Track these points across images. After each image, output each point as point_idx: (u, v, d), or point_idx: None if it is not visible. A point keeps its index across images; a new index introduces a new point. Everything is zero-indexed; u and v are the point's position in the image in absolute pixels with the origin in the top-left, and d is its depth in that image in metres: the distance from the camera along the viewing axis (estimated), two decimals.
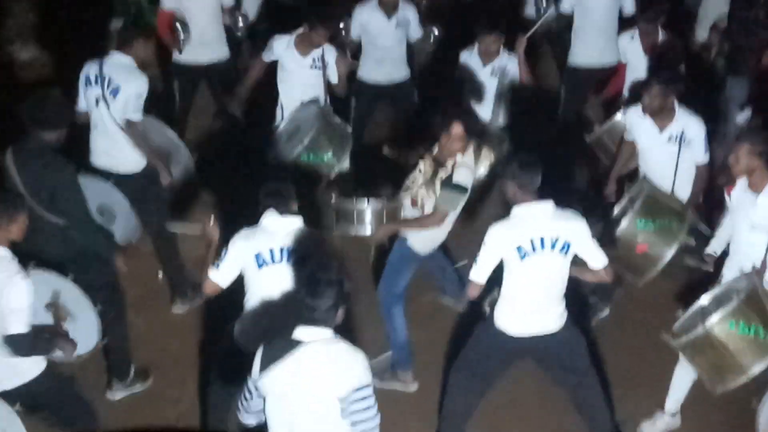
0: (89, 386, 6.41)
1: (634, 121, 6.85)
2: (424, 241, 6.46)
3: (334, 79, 7.64)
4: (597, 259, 5.61)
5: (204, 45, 8.18)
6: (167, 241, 7.18)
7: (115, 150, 6.77)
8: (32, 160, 5.82)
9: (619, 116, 7.40)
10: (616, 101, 7.95)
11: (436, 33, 8.36)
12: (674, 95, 6.65)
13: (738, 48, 8.20)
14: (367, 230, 6.43)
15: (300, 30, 7.54)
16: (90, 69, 6.75)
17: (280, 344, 4.54)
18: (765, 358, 5.54)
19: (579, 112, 8.45)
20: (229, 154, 8.51)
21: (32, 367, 5.32)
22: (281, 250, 5.49)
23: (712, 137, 7.00)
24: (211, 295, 5.76)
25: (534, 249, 5.44)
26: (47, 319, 5.55)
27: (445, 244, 6.77)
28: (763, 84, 7.75)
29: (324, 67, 7.54)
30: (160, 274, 7.43)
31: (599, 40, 8.37)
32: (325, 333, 4.52)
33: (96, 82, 6.70)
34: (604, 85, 8.18)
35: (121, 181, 6.65)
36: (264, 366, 4.54)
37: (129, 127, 6.69)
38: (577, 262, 5.61)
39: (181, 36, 8.01)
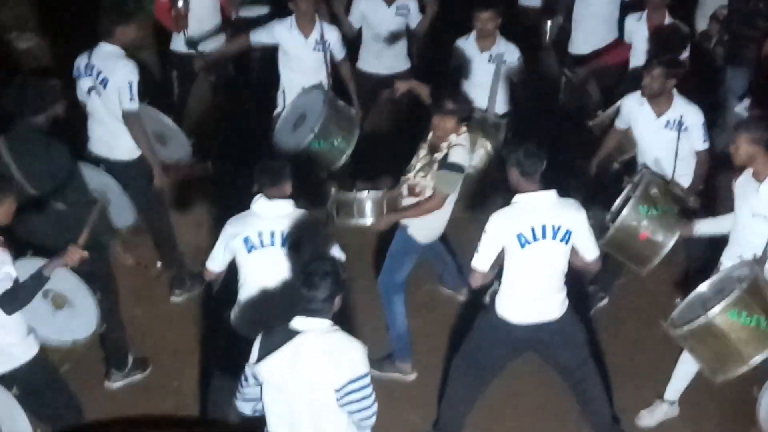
0: (87, 376, 6.43)
1: (631, 108, 6.83)
2: (425, 230, 6.45)
3: (339, 56, 7.64)
4: (590, 251, 5.61)
5: (203, 35, 8.14)
6: (164, 230, 7.18)
7: (110, 138, 6.76)
8: (25, 144, 5.82)
9: (621, 102, 7.39)
10: (617, 84, 7.93)
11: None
12: (674, 80, 6.63)
13: (737, 38, 8.18)
14: (368, 221, 6.41)
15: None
16: (80, 60, 6.75)
17: (278, 333, 4.54)
18: (766, 348, 5.54)
19: (579, 99, 8.44)
20: (230, 140, 8.49)
21: (24, 352, 5.30)
22: (271, 234, 5.51)
23: (711, 126, 6.98)
24: (213, 280, 5.83)
25: (535, 237, 5.44)
26: (44, 304, 5.55)
27: (445, 234, 6.75)
28: (764, 74, 7.74)
29: (325, 48, 7.53)
30: (159, 264, 7.43)
31: (600, 28, 8.36)
32: (322, 323, 4.52)
33: (86, 72, 6.70)
34: (604, 72, 8.17)
35: (117, 168, 6.64)
36: (262, 355, 4.54)
37: (127, 119, 6.65)
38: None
39: (182, 12, 7.96)
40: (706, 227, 6.23)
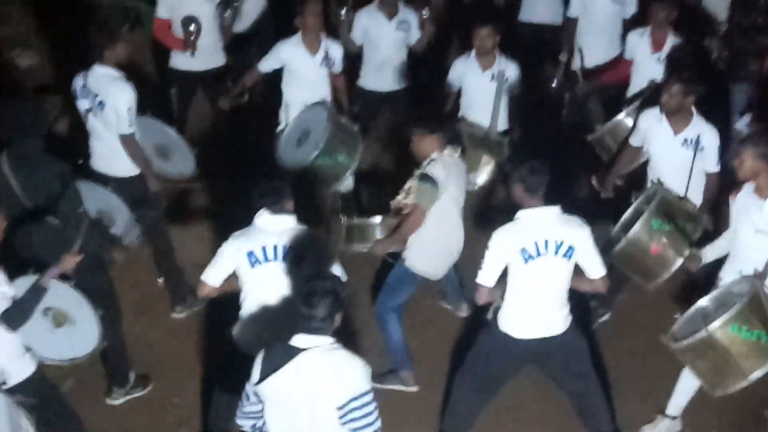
0: (89, 392, 6.42)
1: (649, 124, 6.79)
2: (422, 260, 6.43)
3: (337, 69, 7.72)
4: (596, 268, 5.60)
5: (200, 53, 8.16)
6: (165, 245, 7.18)
7: (110, 154, 6.76)
8: (26, 163, 5.82)
9: (621, 116, 7.39)
10: (618, 99, 7.94)
11: (425, 15, 8.29)
12: (692, 97, 6.61)
13: (738, 53, 8.19)
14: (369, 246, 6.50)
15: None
16: (77, 81, 6.73)
17: (279, 351, 4.53)
18: (766, 363, 5.53)
19: (581, 114, 8.46)
20: (230, 156, 8.50)
21: (20, 370, 5.29)
22: (274, 248, 5.50)
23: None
24: (206, 297, 5.80)
25: (538, 252, 5.44)
26: (44, 322, 5.54)
27: None
28: (765, 89, 7.74)
29: (330, 64, 7.60)
30: (160, 280, 7.43)
31: (604, 43, 8.37)
32: (324, 340, 4.51)
33: (83, 95, 6.70)
34: (607, 87, 8.18)
35: (118, 185, 6.65)
36: (263, 373, 4.53)
37: (124, 142, 6.65)
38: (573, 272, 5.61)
39: (192, 37, 7.98)
40: (711, 253, 6.17)
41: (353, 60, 8.28)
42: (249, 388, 4.63)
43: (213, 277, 5.63)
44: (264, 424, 4.67)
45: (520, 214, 5.51)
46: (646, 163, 6.99)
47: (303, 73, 7.61)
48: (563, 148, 8.25)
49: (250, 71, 7.85)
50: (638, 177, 7.08)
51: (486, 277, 5.51)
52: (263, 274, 5.51)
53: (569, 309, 5.67)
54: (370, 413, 4.49)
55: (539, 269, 5.46)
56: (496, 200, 7.47)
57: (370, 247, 6.54)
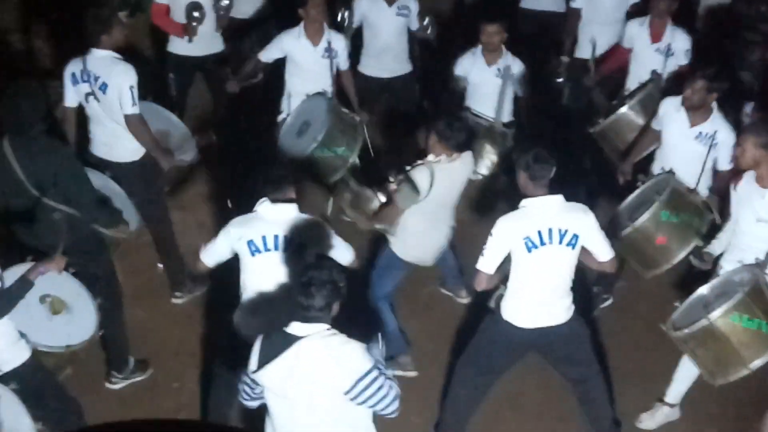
0: (88, 377, 6.43)
1: (667, 112, 6.75)
2: (404, 246, 6.43)
3: (344, 65, 7.68)
4: (604, 252, 5.59)
5: (199, 39, 8.13)
6: (165, 231, 7.18)
7: (112, 141, 6.73)
8: (29, 148, 5.81)
9: (624, 109, 7.37)
10: (617, 90, 7.93)
11: (433, 23, 8.30)
12: (715, 94, 6.56)
13: (741, 43, 8.18)
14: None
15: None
16: (74, 66, 6.66)
17: (276, 339, 4.53)
18: (767, 352, 5.54)
19: (583, 102, 8.44)
20: (230, 143, 8.49)
21: (14, 356, 5.28)
22: (275, 238, 5.50)
23: None
24: (201, 272, 5.90)
25: (542, 241, 5.43)
26: (41, 310, 5.54)
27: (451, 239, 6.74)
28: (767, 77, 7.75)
29: (332, 56, 7.56)
30: (160, 266, 7.43)
31: (609, 33, 8.35)
32: (320, 327, 4.51)
33: (82, 79, 6.64)
34: (608, 78, 8.17)
35: (119, 171, 6.64)
36: (261, 361, 4.53)
37: (130, 122, 6.60)
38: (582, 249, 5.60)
39: (195, 23, 7.95)
40: (718, 246, 6.15)
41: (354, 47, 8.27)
42: (246, 377, 4.63)
43: (210, 258, 5.70)
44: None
45: (525, 203, 5.50)
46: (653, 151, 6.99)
47: (304, 63, 7.58)
48: (565, 138, 8.25)
49: (250, 60, 7.83)
50: (643, 160, 7.07)
51: (487, 263, 5.50)
52: (263, 263, 5.51)
53: (572, 298, 5.67)
54: (382, 386, 4.50)
55: (543, 258, 5.45)
56: (498, 188, 7.44)
57: (358, 217, 6.54)
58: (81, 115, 6.81)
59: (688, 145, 6.62)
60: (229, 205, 7.32)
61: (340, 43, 7.65)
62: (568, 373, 5.92)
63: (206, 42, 8.18)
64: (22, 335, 5.34)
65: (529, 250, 5.43)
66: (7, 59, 9.54)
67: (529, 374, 6.44)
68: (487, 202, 7.44)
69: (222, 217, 7.61)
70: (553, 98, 8.69)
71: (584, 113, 8.13)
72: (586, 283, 6.72)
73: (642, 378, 6.61)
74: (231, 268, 5.72)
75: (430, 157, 6.23)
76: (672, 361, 6.18)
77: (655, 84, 7.45)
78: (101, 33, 6.53)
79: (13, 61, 9.62)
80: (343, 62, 7.70)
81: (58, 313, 5.67)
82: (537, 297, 5.57)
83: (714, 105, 6.61)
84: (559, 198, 5.48)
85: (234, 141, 8.50)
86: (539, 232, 5.42)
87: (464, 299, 7.28)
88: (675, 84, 7.26)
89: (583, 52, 8.46)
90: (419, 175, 6.17)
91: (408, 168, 6.24)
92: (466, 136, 6.25)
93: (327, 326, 4.53)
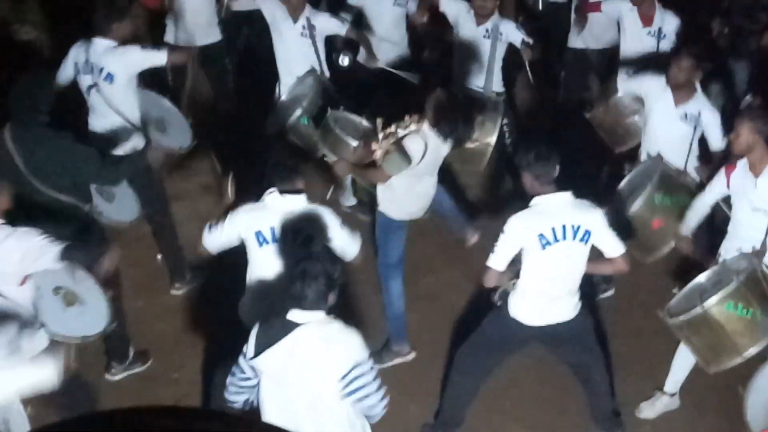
0: (88, 368, 6.43)
1: (652, 90, 6.74)
2: (392, 205, 6.39)
3: (340, 29, 7.49)
4: (615, 247, 5.57)
5: (196, 28, 8.11)
6: (165, 222, 7.18)
7: (110, 133, 6.73)
8: (30, 138, 5.81)
9: (619, 94, 7.36)
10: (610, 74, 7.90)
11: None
12: (700, 72, 6.58)
13: (738, 30, 8.15)
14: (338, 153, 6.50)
15: None
16: (78, 56, 6.68)
17: (275, 326, 4.55)
18: (761, 340, 5.54)
19: (579, 93, 8.43)
20: (229, 133, 8.48)
21: (35, 345, 5.28)
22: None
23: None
24: (202, 256, 5.81)
25: (556, 237, 5.41)
26: (55, 303, 5.54)
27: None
28: (764, 66, 7.71)
29: (313, 35, 7.43)
30: (159, 257, 7.43)
31: (599, 21, 8.33)
32: (318, 315, 4.53)
33: (84, 70, 6.65)
34: (605, 68, 8.15)
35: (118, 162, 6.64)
36: (259, 348, 4.54)
37: (170, 58, 6.72)
38: (590, 258, 5.59)
39: None
40: (686, 227, 6.18)
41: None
42: (243, 362, 4.64)
43: (213, 244, 5.66)
44: (256, 399, 4.68)
45: (536, 201, 5.46)
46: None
47: (285, 36, 7.45)
48: (562, 127, 8.24)
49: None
50: (632, 150, 7.06)
51: (498, 261, 5.48)
52: (270, 253, 5.51)
53: (580, 295, 5.67)
54: (374, 380, 4.53)
55: (557, 255, 5.44)
56: (503, 187, 7.43)
57: (334, 160, 6.49)
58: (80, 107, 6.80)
59: (675, 125, 6.62)
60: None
61: (322, 20, 7.47)
62: (569, 361, 5.93)
63: (204, 32, 8.17)
64: (41, 324, 5.34)
65: (544, 247, 5.41)
66: (7, 50, 9.52)
67: (528, 363, 6.44)
68: (492, 199, 7.44)
69: (220, 208, 7.63)
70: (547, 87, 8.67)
71: (578, 101, 8.14)
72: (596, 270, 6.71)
73: (642, 367, 6.61)
74: (230, 259, 5.73)
75: (425, 126, 6.16)
76: (670, 350, 6.18)
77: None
78: (114, 21, 6.55)
79: (13, 51, 9.60)
80: (337, 29, 7.49)
81: (71, 305, 5.66)
82: (547, 294, 5.55)
83: (698, 85, 6.62)
84: (567, 194, 5.46)
85: (233, 131, 8.49)
86: (553, 229, 5.40)
87: (474, 238, 7.13)
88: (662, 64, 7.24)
89: (577, 41, 8.44)
90: (413, 144, 6.10)
91: (401, 134, 6.17)
92: (463, 112, 6.22)
93: (325, 314, 4.56)
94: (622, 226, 6.02)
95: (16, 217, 5.56)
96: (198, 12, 8.13)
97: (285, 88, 7.50)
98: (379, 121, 6.30)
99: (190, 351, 6.76)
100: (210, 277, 7.23)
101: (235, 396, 4.73)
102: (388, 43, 8.17)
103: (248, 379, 4.64)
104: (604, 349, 6.50)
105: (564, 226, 5.41)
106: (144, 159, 6.64)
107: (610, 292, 7.25)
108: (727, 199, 6.06)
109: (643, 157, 6.78)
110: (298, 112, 7.07)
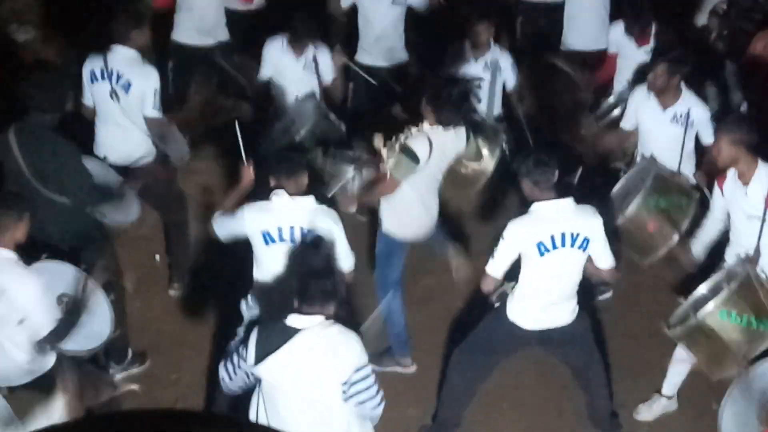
0: None
1: (638, 102, 6.79)
2: (395, 224, 6.37)
3: (327, 77, 7.55)
4: (606, 259, 5.60)
5: (204, 29, 8.11)
6: (182, 222, 7.17)
7: (125, 142, 6.70)
8: (34, 141, 5.82)
9: (616, 112, 7.38)
10: (606, 90, 7.91)
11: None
12: (679, 75, 6.60)
13: (737, 32, 8.16)
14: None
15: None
16: (94, 64, 6.65)
17: (274, 332, 4.54)
18: (758, 347, 5.55)
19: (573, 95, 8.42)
20: (232, 136, 8.46)
21: (40, 366, 5.32)
22: (291, 230, 5.51)
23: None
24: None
25: (554, 245, 5.42)
26: (59, 313, 5.53)
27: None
28: (751, 69, 7.72)
29: (317, 68, 7.47)
30: (157, 257, 7.43)
31: (592, 23, 8.34)
32: (318, 319, 4.53)
33: (103, 77, 6.62)
34: (597, 69, 8.15)
35: (133, 171, 6.63)
36: (259, 354, 4.53)
37: (149, 124, 6.63)
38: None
39: None
40: (700, 244, 6.18)
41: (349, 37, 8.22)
42: (241, 362, 4.65)
43: (222, 230, 5.66)
44: (252, 380, 4.69)
45: (535, 207, 5.48)
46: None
47: (287, 74, 7.50)
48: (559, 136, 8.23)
49: (254, 85, 7.73)
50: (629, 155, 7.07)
51: (496, 267, 5.51)
52: (277, 253, 5.52)
53: (578, 299, 5.68)
54: (373, 384, 4.55)
55: (554, 262, 5.45)
56: (500, 194, 7.42)
57: (339, 196, 6.45)
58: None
59: (665, 128, 6.64)
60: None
61: (324, 57, 7.52)
62: (568, 362, 5.95)
63: (211, 31, 8.16)
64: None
65: (542, 254, 5.43)
66: (5, 50, 9.52)
67: (526, 366, 6.45)
68: (491, 205, 7.43)
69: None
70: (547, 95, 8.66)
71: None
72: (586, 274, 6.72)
73: (640, 369, 6.62)
74: (229, 260, 5.73)
75: (426, 126, 6.15)
76: (668, 353, 6.19)
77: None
78: (134, 28, 6.54)
79: (11, 51, 9.60)
80: (326, 75, 7.56)
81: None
82: (545, 299, 5.57)
83: (683, 85, 6.64)
84: (568, 201, 5.47)
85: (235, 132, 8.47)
86: (552, 237, 5.41)
87: (455, 261, 6.94)
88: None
89: (570, 43, 8.44)
90: (417, 143, 6.08)
91: (403, 137, 6.14)
92: (460, 105, 6.21)
93: (325, 317, 4.56)
94: (616, 229, 6.05)
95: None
96: (205, 13, 8.12)
97: (283, 106, 7.51)
98: (378, 137, 6.26)
99: (189, 352, 6.76)
100: (208, 278, 7.23)
101: (229, 383, 4.73)
102: (386, 42, 8.15)
103: (241, 376, 4.64)
104: (603, 351, 6.51)
105: (563, 234, 5.42)
106: (158, 169, 6.65)
107: (608, 294, 7.25)
108: None
109: (638, 159, 6.78)
110: (295, 138, 7.06)
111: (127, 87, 6.56)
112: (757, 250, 5.73)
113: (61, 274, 5.51)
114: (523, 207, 5.56)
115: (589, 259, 5.59)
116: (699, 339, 5.61)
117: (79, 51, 6.89)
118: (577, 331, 5.71)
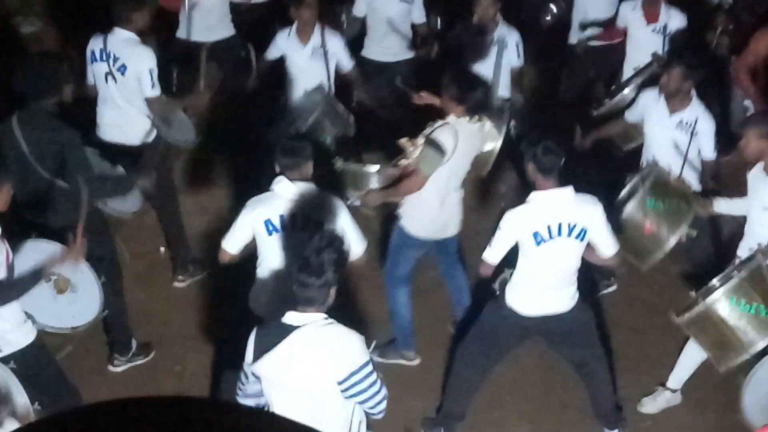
0: (91, 359, 6.44)
1: (647, 102, 6.76)
2: (414, 220, 6.31)
3: (346, 66, 7.52)
4: (608, 246, 5.60)
5: (209, 25, 8.10)
6: (173, 213, 7.17)
7: (123, 123, 6.73)
8: (36, 126, 5.83)
9: (627, 91, 7.35)
10: (616, 74, 7.90)
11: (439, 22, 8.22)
12: (692, 81, 6.56)
13: (742, 27, 8.14)
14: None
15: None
16: (95, 44, 6.69)
17: (272, 330, 4.51)
18: (766, 336, 5.55)
19: (580, 90, 8.42)
20: (234, 128, 8.47)
21: (20, 338, 5.28)
22: (292, 217, 5.45)
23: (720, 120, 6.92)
24: (226, 263, 5.71)
25: (551, 235, 5.43)
26: (46, 288, 5.54)
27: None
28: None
29: (326, 56, 7.43)
30: (162, 249, 7.43)
31: (599, 18, 8.32)
32: (317, 317, 4.48)
33: (101, 58, 6.65)
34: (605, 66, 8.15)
35: (128, 152, 6.63)
36: (257, 352, 4.51)
37: (150, 104, 6.64)
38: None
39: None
40: (724, 206, 6.20)
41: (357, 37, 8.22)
42: (246, 368, 4.62)
43: (233, 245, 5.58)
44: (266, 402, 4.67)
45: (533, 196, 5.48)
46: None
47: (294, 62, 7.49)
48: (564, 124, 8.22)
49: (260, 59, 7.75)
50: (635, 161, 7.05)
51: (493, 254, 5.55)
52: (279, 242, 5.48)
53: (577, 286, 5.68)
54: (374, 383, 4.49)
55: (551, 251, 5.46)
56: (501, 180, 7.42)
57: (362, 195, 6.38)
58: (85, 99, 6.80)
59: (670, 133, 6.60)
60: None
61: (335, 42, 7.48)
62: (571, 356, 5.94)
63: (215, 27, 8.15)
64: (29, 316, 5.34)
65: (538, 244, 5.44)
66: (11, 42, 9.52)
67: (529, 359, 6.45)
68: (489, 193, 7.43)
69: (223, 203, 7.64)
70: (550, 84, 8.66)
71: (580, 97, 8.13)
72: (589, 266, 6.72)
73: (644, 363, 6.62)
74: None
75: (451, 118, 6.09)
76: (673, 346, 6.20)
77: (655, 66, 7.41)
78: (134, 10, 6.56)
79: (16, 43, 9.61)
80: (345, 63, 7.52)
81: (62, 292, 5.65)
82: (543, 286, 5.58)
83: (693, 93, 6.61)
84: (568, 190, 5.46)
85: (238, 126, 8.49)
86: (548, 227, 5.41)
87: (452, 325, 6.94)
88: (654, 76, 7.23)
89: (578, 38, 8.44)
90: (443, 135, 6.02)
91: (428, 130, 6.10)
92: (481, 96, 6.18)
93: (324, 315, 4.50)
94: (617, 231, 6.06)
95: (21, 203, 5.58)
96: (210, 9, 8.11)
97: (291, 99, 7.51)
98: (404, 140, 6.21)
99: (193, 344, 6.76)
100: (213, 270, 7.23)
101: (246, 400, 4.70)
102: (393, 37, 8.16)
103: (254, 383, 4.61)
104: (606, 345, 6.51)
105: (560, 224, 5.43)
106: (153, 152, 6.66)
107: (611, 288, 7.25)
108: None
109: (643, 164, 6.77)
110: (301, 128, 7.05)
111: (123, 70, 6.59)
112: None
113: (50, 253, 5.50)
114: (522, 196, 5.55)
115: (590, 247, 5.59)
116: (707, 327, 5.61)
117: (83, 43, 6.86)
118: (578, 320, 5.71)
